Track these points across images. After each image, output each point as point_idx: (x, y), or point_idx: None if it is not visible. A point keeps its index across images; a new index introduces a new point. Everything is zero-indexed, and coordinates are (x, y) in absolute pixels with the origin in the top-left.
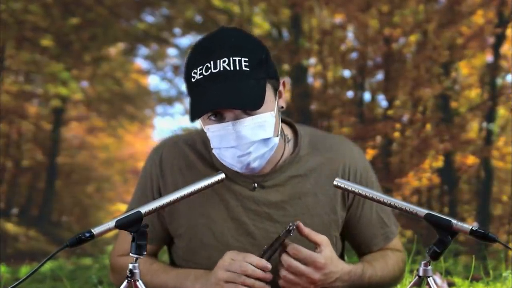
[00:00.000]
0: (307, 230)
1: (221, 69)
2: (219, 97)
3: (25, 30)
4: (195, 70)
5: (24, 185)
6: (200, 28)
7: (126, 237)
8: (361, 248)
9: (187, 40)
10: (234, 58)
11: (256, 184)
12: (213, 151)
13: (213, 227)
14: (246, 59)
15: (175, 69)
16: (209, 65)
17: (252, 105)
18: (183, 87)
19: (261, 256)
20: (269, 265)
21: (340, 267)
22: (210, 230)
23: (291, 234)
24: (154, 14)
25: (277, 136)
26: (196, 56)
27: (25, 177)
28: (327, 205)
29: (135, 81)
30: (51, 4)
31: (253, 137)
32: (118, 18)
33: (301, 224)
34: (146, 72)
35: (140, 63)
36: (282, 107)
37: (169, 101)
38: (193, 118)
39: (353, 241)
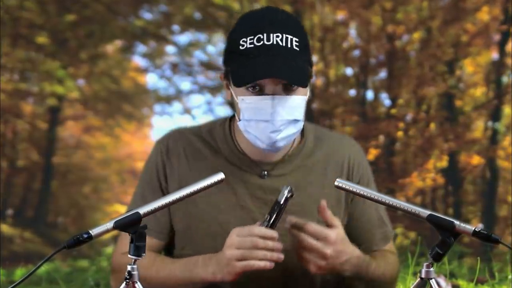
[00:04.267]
0: (329, 213)
1: (274, 42)
2: (274, 68)
3: (20, 27)
4: (245, 39)
5: (19, 186)
6: (199, 25)
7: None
8: (360, 247)
9: (186, 38)
10: (286, 35)
11: (266, 172)
12: (239, 123)
13: (219, 216)
14: (297, 40)
15: (174, 67)
16: (261, 37)
17: (301, 82)
18: (182, 85)
19: (266, 226)
20: (275, 234)
21: (351, 249)
22: (215, 219)
23: (292, 197)
24: (152, 10)
25: (303, 121)
26: (246, 26)
27: (20, 178)
28: (333, 197)
29: (133, 79)
30: (46, 1)
31: (288, 115)
32: (115, 15)
33: (324, 204)
34: (144, 70)
35: (138, 61)
36: (309, 97)
37: (168, 99)
38: (242, 83)
39: (353, 239)
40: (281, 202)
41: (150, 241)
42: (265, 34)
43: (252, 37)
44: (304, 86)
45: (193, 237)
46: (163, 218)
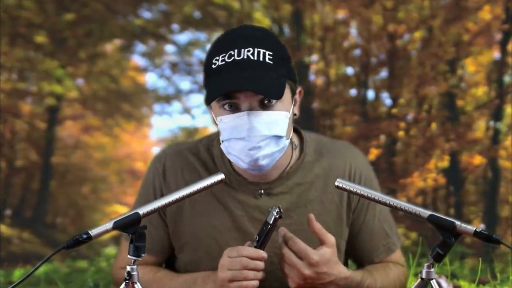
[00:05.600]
0: (318, 226)
1: (245, 57)
2: (241, 81)
3: (19, 26)
4: (217, 58)
5: (18, 186)
6: (199, 24)
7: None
8: (362, 259)
9: (186, 37)
10: (258, 49)
11: (262, 191)
12: (222, 145)
13: (218, 237)
14: (270, 53)
15: (173, 66)
16: (232, 53)
17: (273, 94)
18: (182, 84)
19: (255, 246)
20: (264, 254)
21: (337, 271)
22: (214, 240)
23: (281, 217)
24: (152, 9)
25: (288, 139)
26: (219, 45)
27: (18, 178)
28: (333, 212)
29: (132, 79)
30: (45, 0)
31: (266, 131)
32: (115, 14)
33: (312, 217)
34: (143, 70)
35: (137, 60)
36: (295, 114)
37: (167, 99)
38: (209, 100)
39: (355, 251)
40: (270, 222)
41: (147, 257)
42: (236, 50)
43: (223, 54)
44: (277, 98)
45: (193, 256)
46: (157, 237)
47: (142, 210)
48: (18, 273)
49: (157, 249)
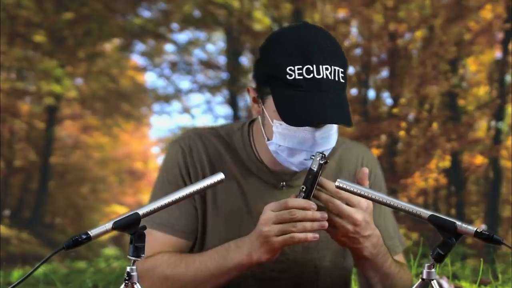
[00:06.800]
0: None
1: (324, 76)
2: (329, 111)
3: (17, 26)
4: (291, 67)
5: (16, 186)
6: (198, 23)
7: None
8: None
9: (185, 36)
10: (334, 67)
11: (284, 183)
12: (269, 143)
13: (232, 221)
14: (343, 71)
15: (173, 65)
16: (311, 68)
17: (350, 122)
18: (181, 84)
19: (302, 197)
20: (313, 204)
21: (374, 226)
22: (227, 223)
23: (327, 162)
24: (151, 8)
25: None
26: (291, 51)
27: (17, 178)
28: None
29: (131, 78)
30: None
31: (326, 146)
32: (114, 13)
33: (366, 170)
34: (143, 69)
35: (137, 59)
36: None
37: (166, 99)
38: (295, 123)
39: None
40: (315, 170)
41: (178, 242)
42: (314, 66)
43: (300, 66)
44: (351, 125)
45: (211, 241)
46: (191, 219)
47: (142, 211)
48: (17, 274)
49: (190, 231)
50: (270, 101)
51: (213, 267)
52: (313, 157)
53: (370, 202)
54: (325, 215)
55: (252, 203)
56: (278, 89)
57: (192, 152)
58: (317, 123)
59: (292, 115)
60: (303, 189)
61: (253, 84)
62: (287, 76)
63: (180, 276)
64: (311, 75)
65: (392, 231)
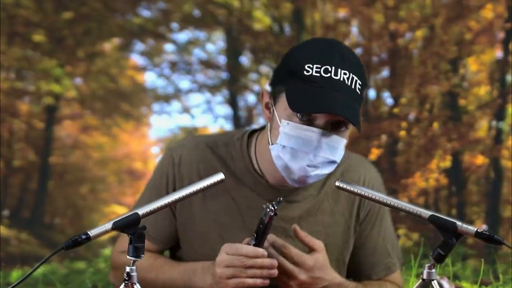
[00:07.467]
0: (303, 234)
1: (341, 79)
2: (338, 104)
3: (16, 25)
4: (310, 65)
5: (16, 186)
6: (198, 23)
7: None
8: (360, 274)
9: (185, 36)
10: (353, 75)
11: (281, 198)
12: (272, 147)
13: (226, 235)
14: (360, 83)
15: (173, 65)
16: (329, 69)
17: (359, 126)
18: (181, 84)
19: (254, 244)
20: (265, 252)
21: (331, 276)
22: (221, 238)
23: (276, 214)
24: (151, 8)
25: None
26: (313, 52)
27: (16, 178)
28: (342, 225)
29: (131, 78)
30: None
31: (330, 155)
32: (113, 13)
33: (297, 227)
34: (142, 69)
35: (136, 59)
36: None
37: (166, 98)
38: (302, 110)
39: (354, 265)
40: (265, 221)
41: (149, 245)
42: (333, 67)
43: (319, 65)
44: (360, 131)
45: (197, 250)
46: (163, 226)
47: (141, 211)
48: (16, 274)
49: (160, 238)
50: (282, 99)
51: (179, 283)
52: (264, 208)
53: (320, 256)
54: (275, 262)
55: (245, 215)
56: (292, 83)
57: (182, 164)
58: (325, 126)
59: (299, 102)
60: (254, 237)
61: (268, 88)
62: (304, 72)
63: (149, 282)
64: (329, 74)
65: (391, 248)
